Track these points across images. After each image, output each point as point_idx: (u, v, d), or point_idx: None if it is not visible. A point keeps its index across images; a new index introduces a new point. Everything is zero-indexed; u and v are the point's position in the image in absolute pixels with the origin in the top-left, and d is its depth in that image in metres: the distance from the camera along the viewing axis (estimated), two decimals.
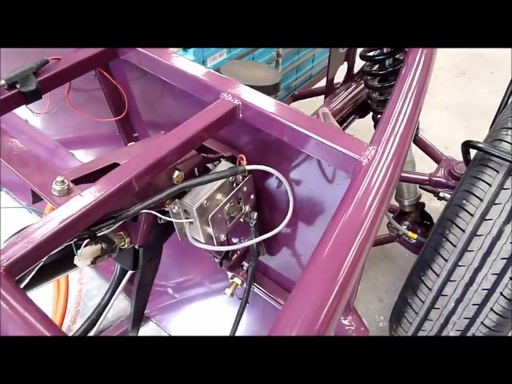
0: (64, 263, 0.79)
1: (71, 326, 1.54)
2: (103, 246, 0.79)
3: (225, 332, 1.12)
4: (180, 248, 1.21)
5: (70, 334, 1.52)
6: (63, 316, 1.51)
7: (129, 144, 0.89)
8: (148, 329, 1.55)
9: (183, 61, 0.91)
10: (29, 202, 0.73)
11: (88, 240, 0.70)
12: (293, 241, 1.05)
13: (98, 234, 0.70)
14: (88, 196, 0.65)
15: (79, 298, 1.61)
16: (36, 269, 0.69)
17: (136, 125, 1.17)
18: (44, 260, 0.62)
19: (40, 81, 0.84)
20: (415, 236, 1.52)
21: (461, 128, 2.59)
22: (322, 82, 1.97)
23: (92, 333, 1.50)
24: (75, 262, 0.76)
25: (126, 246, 0.85)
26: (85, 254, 0.76)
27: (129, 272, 1.27)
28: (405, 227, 1.59)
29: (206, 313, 1.50)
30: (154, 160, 0.71)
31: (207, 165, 0.93)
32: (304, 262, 1.08)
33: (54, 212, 0.62)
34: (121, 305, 1.55)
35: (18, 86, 0.81)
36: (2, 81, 0.80)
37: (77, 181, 0.71)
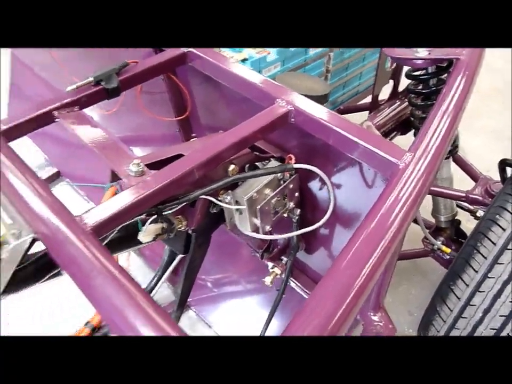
0: (129, 239, 0.90)
1: None
2: (164, 226, 0.90)
3: (258, 325, 1.20)
4: (221, 246, 1.31)
5: None
6: None
7: (192, 139, 1.01)
8: (186, 317, 1.66)
9: (244, 68, 1.02)
10: (106, 182, 0.85)
11: (155, 216, 0.81)
12: (330, 241, 1.14)
13: (164, 213, 0.81)
14: (158, 178, 0.76)
15: None
16: (105, 242, 0.80)
17: (194, 125, 1.29)
18: (117, 229, 0.74)
19: (121, 80, 0.98)
20: (449, 250, 1.57)
21: (505, 152, 2.60)
22: (368, 99, 2.05)
23: None
24: (139, 237, 0.88)
25: (182, 228, 0.96)
26: (148, 230, 0.88)
27: (176, 261, 1.40)
28: (439, 242, 1.64)
29: (242, 307, 1.60)
30: (214, 154, 0.82)
31: (256, 163, 1.04)
32: None
33: (131, 189, 0.73)
34: (164, 292, 1.67)
35: (103, 83, 0.95)
36: (91, 78, 0.93)
37: (148, 166, 0.83)
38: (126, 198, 0.71)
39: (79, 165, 1.94)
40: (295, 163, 0.96)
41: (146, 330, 0.53)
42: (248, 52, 1.40)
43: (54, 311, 1.77)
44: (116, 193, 1.74)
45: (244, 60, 1.37)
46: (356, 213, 1.02)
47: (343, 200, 1.02)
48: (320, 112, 0.89)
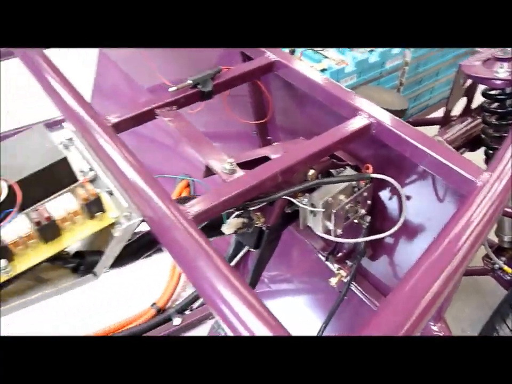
0: (213, 229, 0.99)
1: (181, 293, 1.78)
2: (245, 221, 0.98)
3: (313, 326, 1.25)
4: (283, 244, 1.38)
5: (178, 301, 1.76)
6: (178, 281, 1.76)
7: (275, 143, 1.08)
8: None
9: (327, 79, 1.08)
10: (200, 177, 0.94)
11: (241, 211, 0.89)
12: (396, 250, 1.18)
13: (249, 209, 0.89)
14: (249, 177, 0.84)
15: None
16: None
17: (271, 129, 1.37)
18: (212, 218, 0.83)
19: (214, 84, 1.07)
20: (511, 270, 1.56)
21: None
22: (436, 114, 2.06)
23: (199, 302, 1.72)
24: (223, 228, 0.97)
25: (259, 224, 1.04)
26: (231, 223, 0.96)
27: (240, 254, 1.48)
28: (501, 262, 1.63)
29: (296, 305, 1.66)
30: (298, 160, 0.89)
31: (331, 170, 1.10)
32: (403, 272, 1.20)
33: (226, 185, 0.82)
34: None
35: (199, 86, 1.04)
36: (190, 81, 1.03)
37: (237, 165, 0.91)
38: (222, 193, 0.79)
39: (150, 158, 2.07)
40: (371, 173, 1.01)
41: (243, 310, 0.60)
42: (327, 63, 1.46)
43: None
44: (188, 186, 1.84)
45: (323, 70, 1.44)
46: (425, 226, 1.06)
47: (413, 212, 1.06)
48: (399, 125, 0.94)
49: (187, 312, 1.68)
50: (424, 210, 1.05)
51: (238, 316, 0.58)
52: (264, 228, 1.10)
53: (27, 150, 0.81)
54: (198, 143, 0.95)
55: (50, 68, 1.01)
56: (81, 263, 0.75)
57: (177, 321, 1.63)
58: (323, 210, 0.99)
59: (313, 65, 1.44)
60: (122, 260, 0.80)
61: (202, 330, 1.67)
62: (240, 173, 0.87)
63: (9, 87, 2.87)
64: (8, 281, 0.68)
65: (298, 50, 1.50)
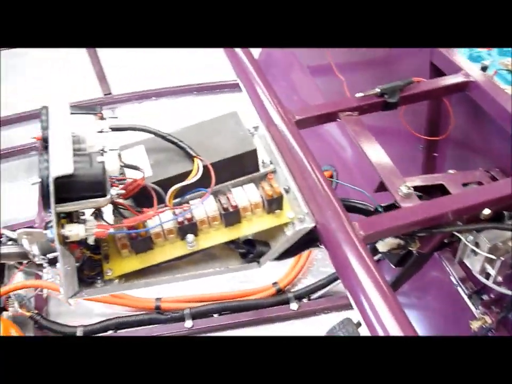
0: None
1: (301, 279, 1.83)
2: (401, 243, 0.96)
3: None
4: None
5: (297, 287, 1.81)
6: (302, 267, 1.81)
7: (451, 171, 1.03)
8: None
9: None
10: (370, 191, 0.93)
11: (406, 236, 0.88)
12: None
13: (416, 235, 0.87)
14: (424, 208, 0.82)
15: (312, 260, 1.89)
16: None
17: (441, 147, 1.30)
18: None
19: (401, 96, 1.04)
20: None
21: None
22: None
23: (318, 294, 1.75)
24: (377, 245, 0.96)
25: (414, 249, 1.01)
26: (388, 242, 0.95)
27: None
28: None
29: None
30: (480, 202, 0.84)
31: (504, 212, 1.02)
32: None
33: (402, 211, 0.81)
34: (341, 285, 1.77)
35: (386, 96, 1.02)
36: (378, 90, 1.01)
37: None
38: (397, 219, 0.79)
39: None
40: None
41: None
42: None
43: None
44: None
45: None
46: None
47: None
48: None
49: (304, 300, 1.72)
50: None
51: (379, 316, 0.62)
52: (414, 252, 1.07)
53: (222, 134, 0.87)
54: (375, 155, 0.94)
55: (252, 64, 1.05)
56: (251, 251, 0.80)
57: (294, 306, 1.68)
58: (487, 253, 0.93)
59: (506, 87, 1.31)
60: (284, 254, 0.84)
61: (311, 321, 1.70)
62: (415, 200, 0.85)
63: None
64: (189, 254, 0.76)
65: (492, 68, 1.38)
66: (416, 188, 0.89)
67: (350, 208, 0.95)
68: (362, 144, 0.96)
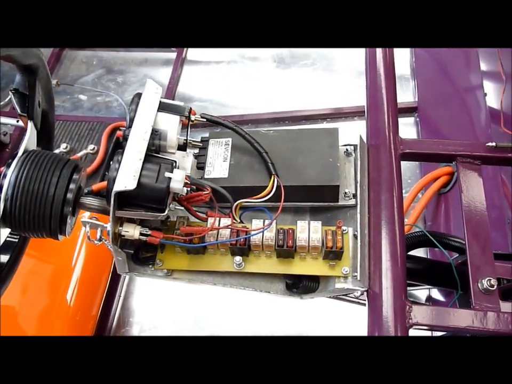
0: None
1: None
2: None
3: None
4: None
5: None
6: None
7: None
8: None
9: None
10: None
11: None
12: None
13: None
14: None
15: None
16: None
17: None
18: None
19: None
20: None
21: None
22: None
23: None
24: None
25: None
26: None
27: None
28: None
29: None
30: None
31: None
32: None
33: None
34: None
35: None
36: None
37: None
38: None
39: None
40: None
41: None
42: None
43: None
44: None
45: None
46: None
47: None
48: None
49: None
50: None
51: None
52: None
53: (311, 155, 0.81)
54: (475, 219, 0.82)
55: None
56: (296, 285, 0.79)
57: None
58: None
59: None
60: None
61: None
62: (494, 303, 0.74)
63: None
64: (234, 272, 0.77)
65: None
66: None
67: None
68: (467, 200, 0.84)
